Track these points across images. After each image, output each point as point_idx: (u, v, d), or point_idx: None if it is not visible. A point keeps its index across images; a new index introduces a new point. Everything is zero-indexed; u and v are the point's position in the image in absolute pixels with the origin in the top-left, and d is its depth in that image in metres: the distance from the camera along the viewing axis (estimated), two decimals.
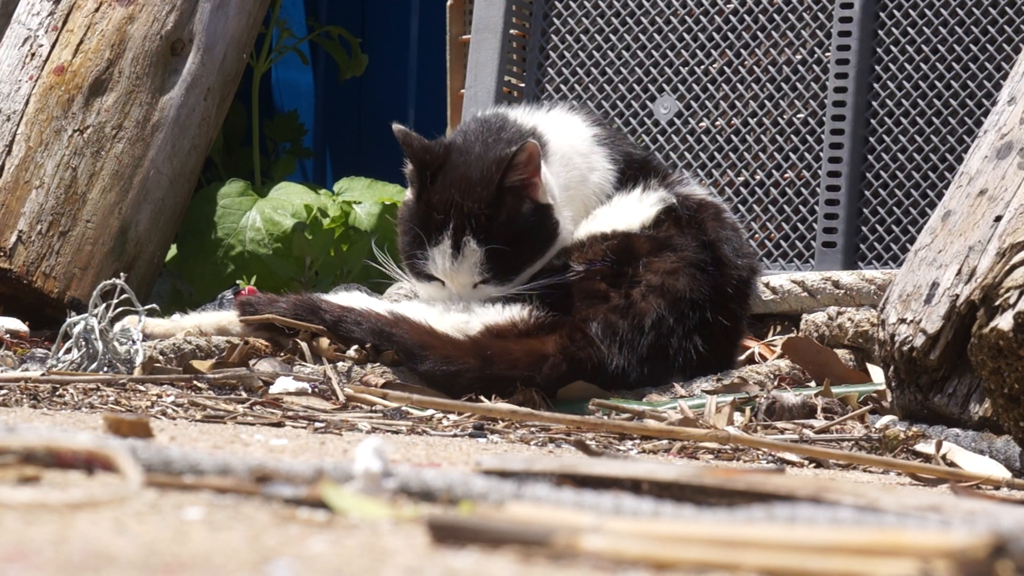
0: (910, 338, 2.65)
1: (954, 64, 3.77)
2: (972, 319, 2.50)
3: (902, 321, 2.68)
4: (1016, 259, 2.43)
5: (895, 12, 3.81)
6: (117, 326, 2.98)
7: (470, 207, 3.02)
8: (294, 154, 5.16)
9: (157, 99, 4.08)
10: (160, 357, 2.96)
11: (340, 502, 1.44)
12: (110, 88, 4.05)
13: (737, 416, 2.81)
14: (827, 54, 3.86)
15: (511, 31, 4.11)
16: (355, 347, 3.05)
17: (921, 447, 2.57)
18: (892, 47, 3.81)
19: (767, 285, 3.63)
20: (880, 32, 3.83)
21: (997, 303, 2.40)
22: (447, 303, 3.08)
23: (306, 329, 3.07)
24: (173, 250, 4.41)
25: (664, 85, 4.01)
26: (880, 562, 1.18)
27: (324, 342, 3.06)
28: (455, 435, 2.57)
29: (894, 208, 3.79)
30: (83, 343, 2.93)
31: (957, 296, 2.61)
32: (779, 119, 3.90)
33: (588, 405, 2.87)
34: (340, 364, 3.00)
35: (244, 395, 2.74)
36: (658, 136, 4.00)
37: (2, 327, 3.61)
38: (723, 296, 3.11)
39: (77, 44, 4.06)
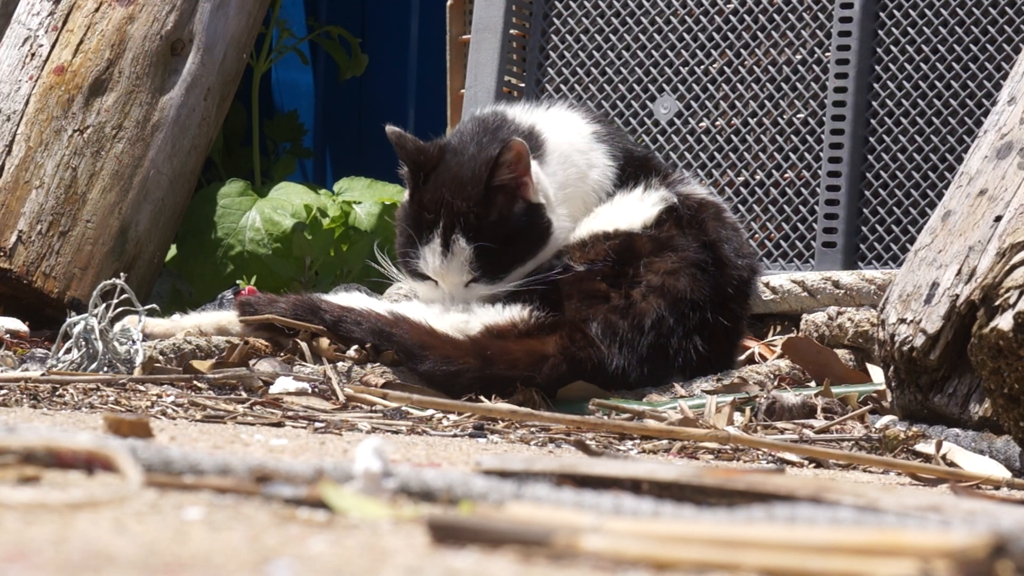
0: (910, 338, 2.65)
1: (954, 64, 3.77)
2: (972, 319, 2.50)
3: (902, 321, 2.68)
4: (1016, 259, 2.43)
5: (895, 12, 3.81)
6: (117, 326, 2.98)
7: (459, 206, 3.03)
8: (294, 154, 5.16)
9: (157, 99, 4.08)
10: (160, 357, 2.96)
11: (340, 502, 1.44)
12: (110, 88, 4.05)
13: (737, 416, 2.81)
14: (827, 54, 3.86)
15: (511, 31, 4.11)
16: (355, 347, 3.05)
17: (921, 447, 2.57)
18: (892, 47, 3.81)
19: (767, 285, 3.63)
20: (880, 32, 3.83)
21: (997, 303, 2.40)
22: (445, 303, 3.08)
23: (306, 329, 3.07)
24: (173, 250, 4.41)
25: (664, 85, 4.01)
26: (880, 562, 1.18)
27: (324, 342, 3.07)
28: (455, 435, 2.57)
29: (894, 208, 3.79)
30: (83, 343, 2.93)
31: (957, 296, 2.61)
32: (779, 119, 3.90)
33: (588, 405, 2.87)
34: (340, 364, 3.00)
35: (244, 395, 2.74)
36: (658, 136, 4.00)
37: (2, 327, 3.61)
38: (723, 296, 3.11)
39: (77, 44, 4.06)
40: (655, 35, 4.03)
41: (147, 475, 1.53)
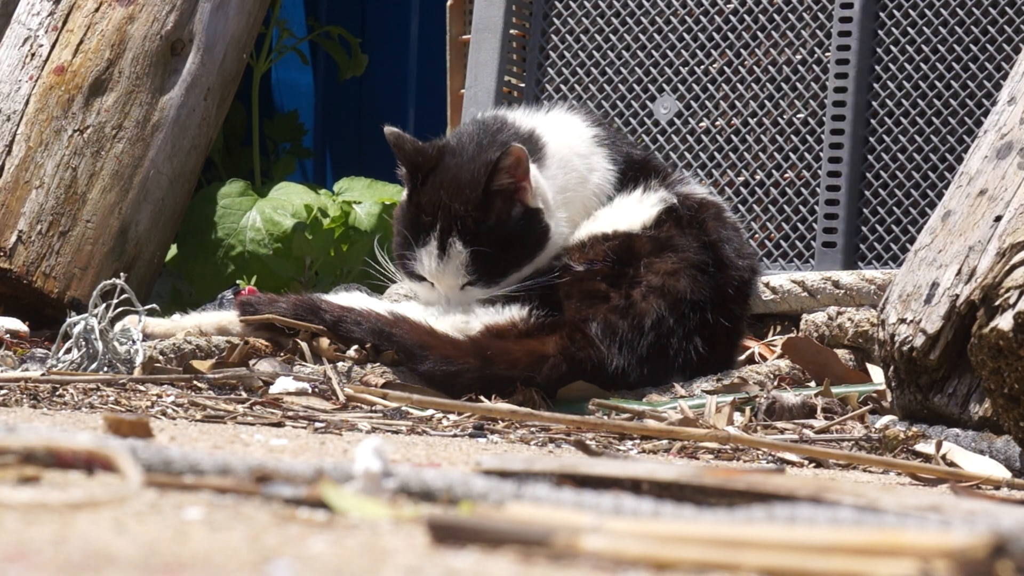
0: (910, 338, 2.65)
1: (954, 64, 3.77)
2: (972, 319, 2.50)
3: (902, 321, 2.68)
4: (1016, 259, 2.43)
5: (895, 12, 3.81)
6: (117, 326, 2.98)
7: (457, 209, 3.03)
8: (294, 154, 5.16)
9: (157, 99, 4.08)
10: (160, 357, 2.96)
11: (340, 502, 1.44)
12: (110, 88, 4.05)
13: (737, 416, 2.81)
14: (827, 54, 3.86)
15: (511, 31, 4.11)
16: (355, 347, 3.05)
17: (921, 447, 2.57)
18: (892, 47, 3.81)
19: (767, 285, 3.63)
20: (880, 32, 3.83)
21: (997, 303, 2.40)
22: (442, 304, 3.08)
23: (306, 329, 3.07)
24: (173, 250, 4.41)
25: (664, 85, 4.01)
26: (880, 562, 1.18)
27: (324, 342, 3.07)
28: (455, 435, 2.57)
29: (894, 208, 3.79)
30: (83, 343, 2.93)
31: (957, 296, 2.61)
32: (779, 119, 3.90)
33: (588, 405, 2.87)
34: (340, 364, 3.00)
35: (244, 395, 2.74)
36: (658, 136, 4.00)
37: (2, 327, 3.61)
38: (724, 297, 3.11)
39: (77, 44, 4.06)
40: (655, 35, 4.03)
41: (147, 475, 1.53)
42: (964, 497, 1.85)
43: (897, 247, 3.76)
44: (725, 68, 3.96)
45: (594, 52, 4.08)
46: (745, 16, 3.95)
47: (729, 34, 3.96)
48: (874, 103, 3.82)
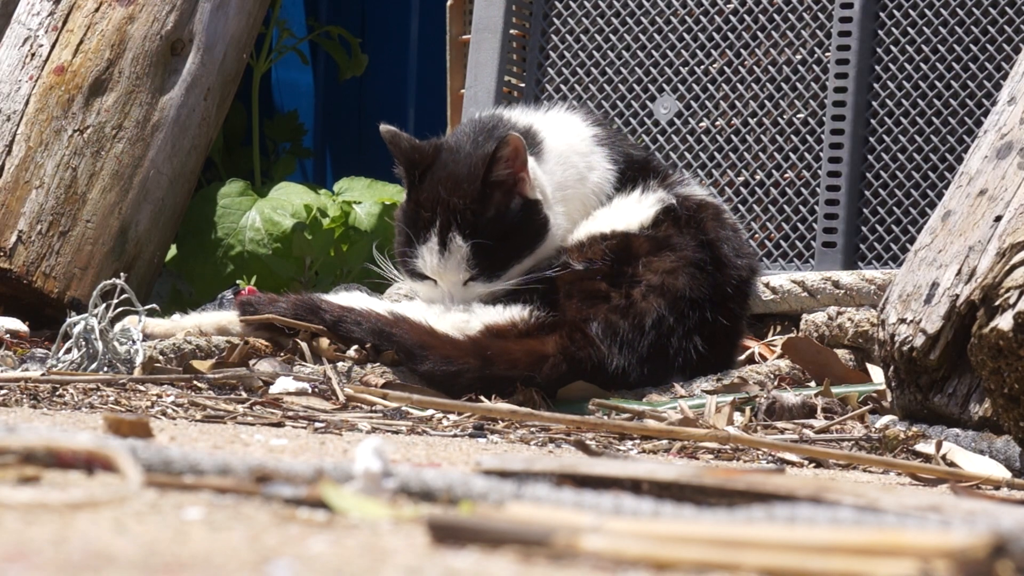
0: (910, 338, 2.65)
1: (954, 64, 3.77)
2: (972, 319, 2.50)
3: (902, 321, 2.68)
4: (1016, 259, 2.43)
5: (895, 12, 3.81)
6: (117, 326, 2.98)
7: (456, 203, 3.03)
8: (294, 154, 5.16)
9: (157, 99, 4.08)
10: (160, 357, 2.96)
11: (340, 502, 1.44)
12: (110, 88, 4.05)
13: (737, 416, 2.80)
14: (827, 54, 3.86)
15: (511, 31, 4.11)
16: (355, 347, 3.05)
17: (921, 447, 2.57)
18: (892, 47, 3.81)
19: (767, 285, 3.63)
20: (880, 32, 3.83)
21: (997, 303, 2.40)
22: (445, 302, 3.08)
23: (306, 329, 3.07)
24: (173, 250, 4.41)
25: (664, 85, 4.01)
26: (880, 562, 1.18)
27: (324, 342, 3.06)
28: (455, 435, 2.56)
29: (894, 208, 3.79)
30: (83, 343, 2.93)
31: (957, 296, 2.61)
32: (779, 119, 3.90)
33: (588, 405, 2.86)
34: (340, 364, 3.00)
35: (244, 395, 2.74)
36: (658, 136, 4.00)
37: (2, 327, 3.61)
38: (723, 296, 3.11)
39: (77, 44, 4.06)
40: (655, 35, 4.03)
41: (147, 475, 1.53)
42: (964, 497, 1.85)
43: (897, 247, 3.76)
44: (725, 68, 3.96)
45: (594, 52, 4.08)
46: (745, 16, 3.95)
47: (729, 34, 3.96)
48: (874, 103, 3.82)
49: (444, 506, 1.52)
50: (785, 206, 3.87)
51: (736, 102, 3.94)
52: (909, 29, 3.80)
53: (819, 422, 2.77)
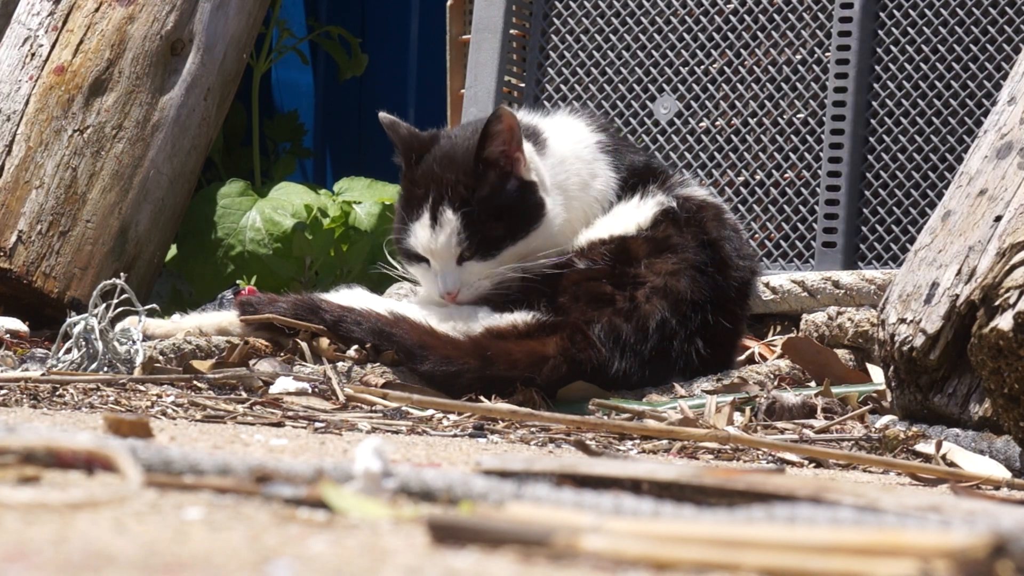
0: (910, 338, 2.65)
1: (954, 64, 3.77)
2: (972, 319, 2.50)
3: (902, 321, 2.68)
4: (1016, 259, 2.43)
5: (895, 12, 3.81)
6: (117, 326, 2.98)
7: (448, 178, 3.02)
8: (294, 154, 5.16)
9: (157, 99, 4.08)
10: (160, 357, 2.96)
11: (340, 502, 1.44)
12: (110, 88, 4.05)
13: (737, 416, 2.80)
14: (827, 54, 3.86)
15: (511, 31, 4.11)
16: (355, 347, 3.04)
17: (921, 447, 2.57)
18: (892, 47, 3.81)
19: (767, 285, 3.63)
20: (880, 32, 3.83)
21: (997, 303, 2.40)
22: (439, 283, 3.06)
23: (306, 329, 3.07)
24: (173, 250, 4.42)
25: (664, 85, 4.01)
26: (880, 562, 1.18)
27: (324, 342, 3.06)
28: (455, 435, 2.56)
29: (894, 208, 3.79)
30: (83, 343, 2.93)
31: (957, 296, 2.61)
32: (779, 119, 3.90)
33: (588, 405, 2.86)
34: (340, 364, 3.00)
35: (244, 395, 2.74)
36: (658, 136, 4.00)
37: (2, 327, 3.61)
38: (724, 297, 3.11)
39: (77, 44, 4.06)
40: (655, 35, 4.03)
41: (147, 475, 1.53)
42: (964, 497, 1.85)
43: (897, 247, 3.76)
44: (725, 68, 3.96)
45: (594, 52, 4.08)
46: (745, 16, 3.95)
47: (729, 34, 3.96)
48: (874, 103, 3.82)
49: (444, 506, 1.52)
50: (785, 206, 3.87)
51: (736, 102, 3.94)
52: (909, 29, 3.80)
53: (819, 422, 2.77)
